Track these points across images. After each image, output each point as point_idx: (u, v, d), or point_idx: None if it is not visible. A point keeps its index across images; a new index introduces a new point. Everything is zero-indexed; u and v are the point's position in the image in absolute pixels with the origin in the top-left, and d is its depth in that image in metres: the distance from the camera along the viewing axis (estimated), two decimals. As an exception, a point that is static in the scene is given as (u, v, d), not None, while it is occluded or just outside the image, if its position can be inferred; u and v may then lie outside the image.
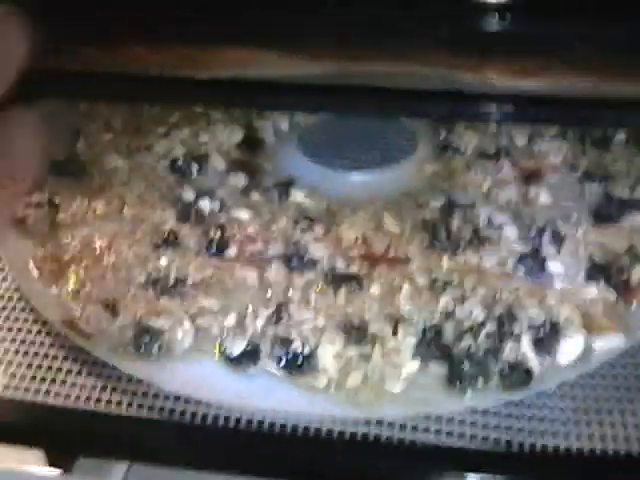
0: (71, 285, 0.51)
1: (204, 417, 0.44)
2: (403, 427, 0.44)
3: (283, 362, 0.46)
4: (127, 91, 0.39)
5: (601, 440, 0.42)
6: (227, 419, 0.44)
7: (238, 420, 0.44)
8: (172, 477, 0.49)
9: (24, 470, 0.48)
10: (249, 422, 0.44)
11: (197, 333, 0.48)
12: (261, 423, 0.44)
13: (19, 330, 0.50)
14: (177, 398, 0.45)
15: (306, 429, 0.44)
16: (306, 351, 0.46)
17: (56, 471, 0.48)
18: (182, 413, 0.44)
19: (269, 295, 0.50)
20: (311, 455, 0.44)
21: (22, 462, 0.48)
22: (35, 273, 0.53)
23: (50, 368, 0.47)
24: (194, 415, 0.44)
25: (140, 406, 0.45)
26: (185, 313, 0.49)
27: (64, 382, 0.47)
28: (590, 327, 0.47)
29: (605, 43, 0.49)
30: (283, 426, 0.44)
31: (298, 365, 0.46)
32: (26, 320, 0.51)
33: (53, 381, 0.47)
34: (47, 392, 0.46)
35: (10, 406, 0.46)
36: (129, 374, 0.46)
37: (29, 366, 0.48)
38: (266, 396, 0.45)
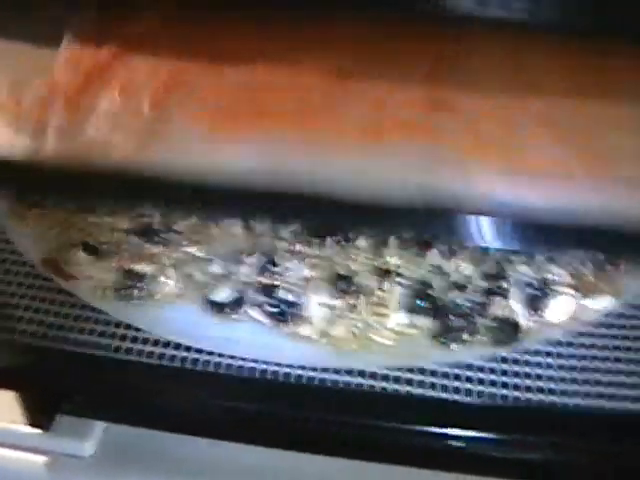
0: (56, 230, 0.51)
1: (183, 360, 0.44)
2: (386, 378, 0.43)
3: (266, 309, 0.45)
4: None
5: (585, 397, 0.42)
6: (206, 363, 0.43)
7: (218, 365, 0.43)
8: (148, 438, 0.49)
9: (3, 429, 0.47)
10: (228, 367, 0.43)
11: (180, 279, 0.47)
12: (240, 368, 0.43)
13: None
14: (156, 341, 0.45)
15: (287, 376, 0.43)
16: (290, 299, 0.45)
17: (36, 430, 0.47)
18: (160, 356, 0.44)
19: (255, 245, 0.50)
20: (290, 402, 0.43)
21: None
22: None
23: (29, 308, 0.47)
24: (172, 358, 0.44)
25: (117, 348, 0.44)
26: (169, 259, 0.48)
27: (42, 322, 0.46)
28: (579, 288, 0.47)
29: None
30: (263, 372, 0.43)
31: (281, 312, 0.45)
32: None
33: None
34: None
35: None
36: (109, 316, 0.46)
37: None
38: (248, 342, 0.44)
